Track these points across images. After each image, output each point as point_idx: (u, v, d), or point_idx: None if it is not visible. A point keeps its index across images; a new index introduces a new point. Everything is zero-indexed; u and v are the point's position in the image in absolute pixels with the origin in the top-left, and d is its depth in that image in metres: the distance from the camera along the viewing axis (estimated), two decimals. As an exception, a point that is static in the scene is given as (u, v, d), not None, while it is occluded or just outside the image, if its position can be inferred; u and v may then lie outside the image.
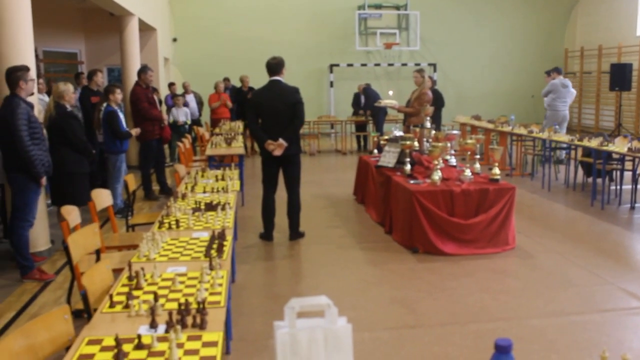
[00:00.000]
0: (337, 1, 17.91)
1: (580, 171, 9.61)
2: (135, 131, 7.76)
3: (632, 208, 7.99)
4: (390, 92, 9.31)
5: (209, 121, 14.30)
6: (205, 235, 3.98)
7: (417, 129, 7.80)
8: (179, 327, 2.47)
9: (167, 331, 2.50)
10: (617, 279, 5.29)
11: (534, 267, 5.68)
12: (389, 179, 6.92)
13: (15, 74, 5.27)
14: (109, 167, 7.52)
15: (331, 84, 18.06)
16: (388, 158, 7.37)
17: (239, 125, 12.37)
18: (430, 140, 7.37)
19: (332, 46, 18.06)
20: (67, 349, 2.48)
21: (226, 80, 14.84)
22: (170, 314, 2.60)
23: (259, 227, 6.75)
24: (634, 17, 16.16)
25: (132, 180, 5.92)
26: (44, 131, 5.73)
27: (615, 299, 4.86)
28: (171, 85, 13.74)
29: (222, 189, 5.49)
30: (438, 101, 11.96)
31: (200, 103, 14.33)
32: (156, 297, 2.82)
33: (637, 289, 5.04)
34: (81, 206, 5.22)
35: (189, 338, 2.45)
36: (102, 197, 5.18)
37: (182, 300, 2.85)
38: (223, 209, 4.65)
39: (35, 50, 11.83)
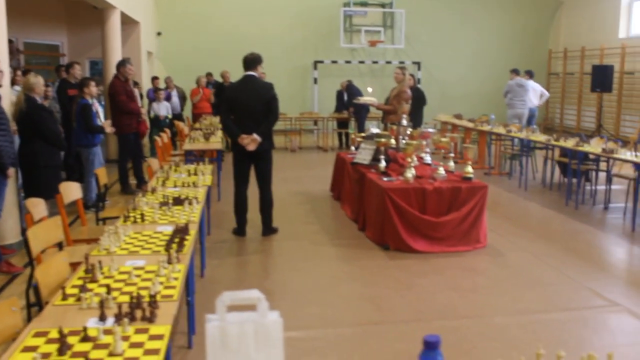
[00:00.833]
0: (322, -2, 17.90)
1: (557, 171, 9.67)
2: (108, 128, 7.69)
3: (606, 208, 8.06)
4: (369, 89, 9.30)
5: (190, 116, 14.26)
6: (169, 230, 3.97)
7: (394, 127, 7.81)
8: (126, 320, 2.47)
9: (115, 324, 2.50)
10: (584, 278, 5.33)
11: (504, 266, 5.72)
12: (363, 176, 6.93)
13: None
14: (81, 160, 7.47)
15: (315, 81, 18.05)
16: (363, 155, 7.38)
17: (219, 120, 12.32)
18: (407, 138, 7.38)
19: (317, 43, 18.04)
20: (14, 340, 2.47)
21: (209, 75, 14.80)
22: (119, 306, 2.59)
23: (234, 222, 6.74)
24: (616, 19, 16.27)
25: (103, 174, 5.89)
26: (13, 124, 5.68)
27: (580, 298, 4.90)
28: (154, 79, 13.69)
29: (193, 183, 5.47)
30: (420, 100, 11.96)
31: (183, 98, 14.29)
32: (109, 290, 2.82)
33: (602, 288, 5.08)
34: (52, 199, 5.18)
35: (137, 331, 2.45)
36: (70, 190, 5.14)
37: (136, 293, 2.84)
38: (190, 203, 4.64)
39: (16, 42, 11.79)
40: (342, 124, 14.47)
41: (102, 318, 2.56)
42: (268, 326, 1.69)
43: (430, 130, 7.15)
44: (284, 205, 8.12)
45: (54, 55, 14.52)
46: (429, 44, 18.50)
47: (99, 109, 8.20)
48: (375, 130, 7.66)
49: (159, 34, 17.45)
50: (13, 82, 8.37)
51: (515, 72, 12.65)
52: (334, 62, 18.09)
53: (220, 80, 14.27)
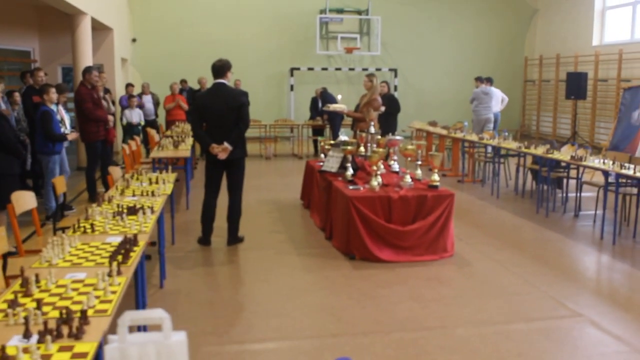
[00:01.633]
0: (298, 5, 17.83)
1: (530, 178, 9.65)
2: (71, 135, 7.53)
3: (576, 216, 8.04)
4: (339, 97, 9.23)
5: (164, 123, 14.10)
6: (118, 241, 3.83)
7: (364, 134, 7.74)
8: (49, 337, 2.34)
9: (39, 341, 2.37)
10: (549, 287, 5.27)
11: (470, 275, 5.64)
12: (330, 184, 6.83)
13: None
14: (42, 168, 7.31)
15: (292, 88, 17.96)
16: (331, 163, 7.29)
17: (190, 128, 12.19)
18: (375, 145, 7.30)
19: (293, 49, 17.97)
20: None
21: (183, 82, 14.65)
22: (45, 323, 2.46)
23: (200, 231, 6.61)
24: (589, 27, 16.39)
25: (60, 183, 5.73)
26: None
27: (544, 307, 4.83)
28: (128, 86, 13.51)
29: (152, 192, 5.34)
30: (393, 106, 11.92)
31: (157, 104, 14.15)
32: (39, 305, 2.68)
33: (567, 298, 5.02)
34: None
35: (61, 349, 2.32)
36: (24, 200, 4.99)
37: (71, 307, 2.71)
38: (145, 213, 4.51)
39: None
40: (318, 131, 14.38)
41: (27, 335, 2.43)
42: (172, 347, 1.58)
43: (398, 138, 7.06)
44: (252, 214, 8.01)
45: (25, 62, 14.29)
46: (406, 50, 18.51)
47: (64, 116, 8.04)
48: (344, 138, 7.58)
49: (134, 40, 17.30)
50: None
51: (480, 80, 13.21)
52: (311, 69, 18.03)
53: (197, 86, 14.14)
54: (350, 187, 6.33)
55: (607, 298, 5.11)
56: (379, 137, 7.59)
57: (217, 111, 6.18)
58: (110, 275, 3.10)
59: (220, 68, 6.36)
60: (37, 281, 3.07)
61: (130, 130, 12.48)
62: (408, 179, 6.39)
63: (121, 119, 12.79)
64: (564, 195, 8.63)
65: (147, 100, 13.69)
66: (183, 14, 17.37)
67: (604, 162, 7.17)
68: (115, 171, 6.26)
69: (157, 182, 5.88)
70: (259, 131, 15.14)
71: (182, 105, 13.54)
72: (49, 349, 2.29)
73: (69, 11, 11.08)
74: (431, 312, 4.69)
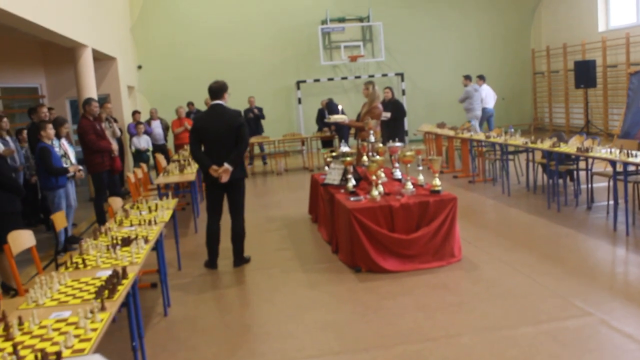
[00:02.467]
0: (299, 17, 17.85)
1: (541, 173, 9.49)
2: (73, 168, 7.57)
3: (589, 208, 7.86)
4: (340, 107, 9.16)
5: (172, 147, 14.17)
6: (107, 274, 3.80)
7: (365, 144, 7.67)
8: (19, 385, 2.31)
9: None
10: (559, 286, 5.14)
11: (477, 280, 5.52)
12: (332, 197, 6.77)
13: None
14: (47, 204, 7.35)
15: (299, 101, 17.96)
16: (333, 175, 7.23)
17: (189, 151, 12.23)
18: (375, 154, 7.23)
19: (298, 63, 17.99)
20: None
21: (190, 104, 14.71)
22: (17, 370, 2.44)
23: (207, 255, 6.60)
24: (594, 13, 16.16)
25: (59, 219, 5.73)
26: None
27: (553, 309, 4.69)
28: (135, 113, 13.60)
29: (149, 221, 5.31)
30: (398, 112, 11.86)
31: (166, 128, 14.22)
32: (15, 350, 2.66)
33: (575, 295, 4.89)
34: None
35: (32, 396, 2.29)
36: (22, 239, 4.99)
37: (48, 349, 2.69)
38: (139, 244, 4.48)
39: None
40: (327, 142, 14.34)
41: (0, 384, 2.40)
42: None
43: (398, 144, 6.97)
44: (260, 232, 7.98)
45: (34, 97, 14.47)
46: (410, 54, 18.42)
47: (67, 150, 8.09)
48: (345, 149, 7.51)
49: (139, 67, 17.44)
50: None
51: (468, 78, 13.83)
52: (317, 80, 18.02)
53: (204, 108, 14.18)
54: (352, 199, 6.26)
55: (619, 293, 4.94)
56: (381, 145, 7.52)
57: (215, 132, 6.17)
58: (92, 312, 3.07)
59: (218, 90, 6.35)
60: (21, 323, 3.05)
61: (139, 157, 12.57)
62: (409, 186, 6.30)
63: (130, 147, 12.87)
64: (576, 187, 8.45)
65: (156, 125, 13.76)
66: (186, 36, 17.48)
67: (611, 152, 7.00)
68: (115, 202, 6.25)
69: (156, 210, 5.88)
70: (268, 147, 15.14)
71: (189, 128, 13.57)
72: (19, 397, 2.26)
73: (69, 45, 11.18)
74: (436, 322, 4.59)
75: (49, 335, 2.89)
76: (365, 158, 7.62)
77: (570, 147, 7.83)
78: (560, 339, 4.14)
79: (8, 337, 2.89)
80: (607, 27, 15.93)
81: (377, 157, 6.82)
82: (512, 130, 9.75)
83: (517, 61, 19.04)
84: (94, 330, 2.90)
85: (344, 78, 18.26)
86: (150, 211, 5.86)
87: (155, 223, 5.28)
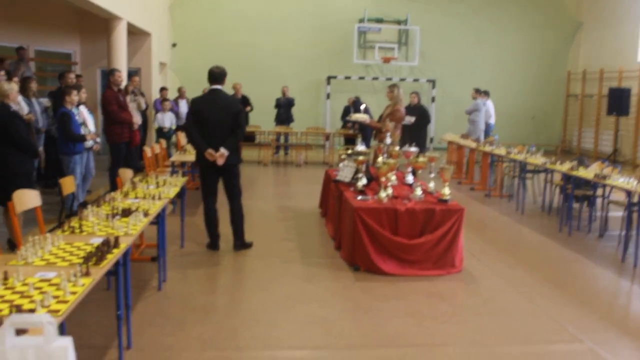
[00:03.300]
0: (337, 13, 17.83)
1: (558, 196, 9.35)
2: (91, 136, 7.66)
3: (601, 236, 7.73)
4: (362, 106, 9.14)
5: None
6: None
7: (382, 145, 7.63)
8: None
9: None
10: (554, 309, 5.07)
11: (473, 293, 5.47)
12: (341, 194, 6.75)
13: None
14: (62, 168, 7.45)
15: (328, 96, 17.95)
16: (345, 173, 7.21)
17: (185, 133, 12.27)
18: (389, 157, 7.19)
19: (331, 58, 17.97)
20: None
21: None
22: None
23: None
24: (635, 42, 15.90)
25: (67, 184, 5.80)
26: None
27: (544, 331, 4.63)
28: (162, 89, 13.70)
29: (154, 196, 5.35)
30: (422, 117, 11.79)
31: (191, 109, 14.26)
32: (-8, 303, 2.70)
33: (570, 321, 4.81)
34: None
35: None
36: (27, 198, 5.06)
37: (25, 306, 2.73)
38: (138, 216, 4.51)
39: (27, 49, 11.91)
40: (350, 140, 14.30)
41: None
42: (52, 352, 1.53)
43: (413, 149, 6.92)
44: (268, 221, 8.00)
45: (67, 64, 14.65)
46: (444, 62, 18.29)
47: (86, 118, 8.18)
48: (360, 148, 7.49)
49: (174, 45, 17.56)
50: (25, 91, 8.40)
51: (478, 92, 13.82)
52: (347, 77, 17.98)
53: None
54: (359, 198, 6.24)
55: (615, 324, 4.85)
56: (397, 148, 7.47)
57: (213, 117, 6.19)
58: (75, 276, 3.10)
59: (219, 74, 6.39)
60: (6, 278, 3.09)
61: (161, 134, 12.66)
62: (418, 191, 6.26)
63: (154, 122, 12.97)
64: (592, 214, 8.32)
65: (183, 104, 13.85)
66: (223, 21, 17.57)
67: (629, 181, 6.88)
68: (125, 173, 6.31)
69: (164, 185, 5.92)
70: (291, 138, 15.17)
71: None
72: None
73: (105, 16, 11.30)
74: (424, 329, 4.55)
75: (29, 293, 2.93)
76: (380, 159, 7.57)
77: (588, 172, 7.71)
78: (545, 361, 4.08)
79: (-10, 290, 2.94)
80: (647, 57, 15.66)
81: (390, 159, 6.77)
82: (534, 149, 9.62)
83: (551, 81, 18.81)
84: (74, 293, 2.92)
85: (375, 78, 18.20)
86: (157, 186, 5.90)
87: (160, 198, 5.32)
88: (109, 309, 4.41)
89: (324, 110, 18.14)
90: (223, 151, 6.13)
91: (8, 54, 11.32)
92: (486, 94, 14.10)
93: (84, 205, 7.73)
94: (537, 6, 18.50)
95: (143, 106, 11.09)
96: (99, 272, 3.28)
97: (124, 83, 9.73)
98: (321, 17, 17.82)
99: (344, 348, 4.20)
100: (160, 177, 6.27)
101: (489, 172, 10.75)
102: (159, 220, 5.24)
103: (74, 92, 7.32)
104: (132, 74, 12.04)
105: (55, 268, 3.34)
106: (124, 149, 8.92)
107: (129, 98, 9.96)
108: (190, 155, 9.09)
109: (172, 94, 14.50)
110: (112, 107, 8.57)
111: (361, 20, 17.76)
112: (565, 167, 8.08)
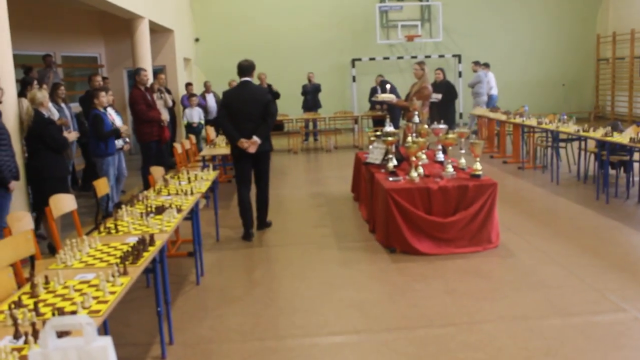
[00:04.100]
0: (358, -5, 17.69)
1: (594, 163, 9.17)
2: (124, 127, 7.79)
3: (639, 202, 7.58)
4: (388, 85, 9.05)
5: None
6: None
7: (410, 124, 7.57)
8: (31, 338, 2.41)
9: (25, 342, 2.44)
10: (595, 279, 4.99)
11: (511, 267, 5.41)
12: (372, 176, 6.74)
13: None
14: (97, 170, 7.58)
15: (354, 79, 17.86)
16: (375, 155, 7.19)
17: (218, 124, 12.31)
18: (417, 135, 7.13)
19: (354, 40, 17.85)
20: None
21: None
22: (33, 324, 2.54)
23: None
24: (666, -1, 15.42)
25: (102, 186, 5.89)
26: (12, 137, 5.74)
27: (585, 302, 4.56)
28: (188, 85, 13.79)
29: (186, 191, 5.40)
30: (449, 93, 11.67)
31: (219, 102, 14.34)
32: (35, 307, 2.77)
33: (612, 290, 4.73)
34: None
35: (42, 352, 2.37)
36: (63, 202, 5.16)
37: (66, 309, 2.79)
38: (171, 213, 4.57)
39: (54, 56, 12.10)
40: (378, 121, 14.23)
41: (16, 336, 2.51)
42: (92, 352, 1.56)
43: (442, 126, 6.85)
44: (301, 208, 8.05)
45: (93, 67, 14.85)
46: (469, 35, 18.01)
47: (115, 118, 8.28)
48: (389, 129, 7.44)
49: (196, 40, 17.65)
50: (54, 97, 8.51)
51: (478, 64, 14.19)
52: (372, 59, 17.86)
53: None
54: (391, 179, 6.22)
55: (659, 290, 4.77)
56: (426, 126, 7.41)
57: (245, 107, 6.48)
58: (113, 276, 3.15)
59: (247, 67, 6.67)
60: (47, 282, 3.17)
61: (190, 129, 12.75)
62: (450, 169, 6.21)
63: (183, 118, 13.07)
64: (629, 179, 8.15)
65: (210, 98, 13.91)
66: (243, 8, 17.57)
67: (666, 144, 6.72)
68: (156, 171, 6.39)
69: (195, 181, 5.98)
70: (320, 124, 15.16)
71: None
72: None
73: (126, 16, 11.40)
74: (462, 307, 4.53)
75: (70, 295, 3.00)
76: (409, 139, 7.52)
77: (623, 137, 7.55)
78: (588, 333, 4.03)
79: (33, 295, 3.01)
80: (679, 13, 15.19)
81: (420, 138, 6.72)
82: (565, 117, 9.44)
83: (580, 47, 18.40)
84: (113, 293, 2.98)
85: (400, 57, 18.04)
86: (189, 182, 5.97)
87: (192, 193, 5.38)
88: (149, 306, 4.48)
89: (350, 94, 18.06)
90: (255, 139, 6.40)
91: (35, 62, 11.51)
92: (487, 66, 14.30)
93: (118, 205, 7.87)
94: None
95: (170, 103, 11.18)
96: (136, 270, 3.34)
97: (150, 81, 9.81)
98: (341, -1, 17.71)
99: (384, 331, 4.20)
100: (192, 173, 6.34)
101: (520, 144, 10.58)
102: (193, 216, 5.30)
103: (102, 94, 7.42)
104: (157, 71, 12.13)
105: (93, 269, 3.40)
106: (154, 147, 9.02)
107: (155, 96, 10.05)
108: (220, 149, 9.17)
109: (198, 89, 14.60)
110: (140, 106, 8.67)
111: (382, 0, 17.57)
112: (598, 133, 7.91)
